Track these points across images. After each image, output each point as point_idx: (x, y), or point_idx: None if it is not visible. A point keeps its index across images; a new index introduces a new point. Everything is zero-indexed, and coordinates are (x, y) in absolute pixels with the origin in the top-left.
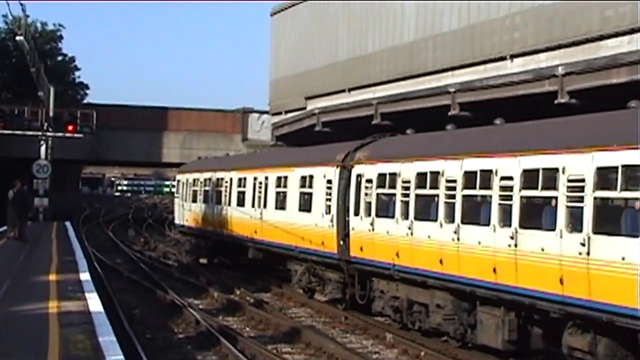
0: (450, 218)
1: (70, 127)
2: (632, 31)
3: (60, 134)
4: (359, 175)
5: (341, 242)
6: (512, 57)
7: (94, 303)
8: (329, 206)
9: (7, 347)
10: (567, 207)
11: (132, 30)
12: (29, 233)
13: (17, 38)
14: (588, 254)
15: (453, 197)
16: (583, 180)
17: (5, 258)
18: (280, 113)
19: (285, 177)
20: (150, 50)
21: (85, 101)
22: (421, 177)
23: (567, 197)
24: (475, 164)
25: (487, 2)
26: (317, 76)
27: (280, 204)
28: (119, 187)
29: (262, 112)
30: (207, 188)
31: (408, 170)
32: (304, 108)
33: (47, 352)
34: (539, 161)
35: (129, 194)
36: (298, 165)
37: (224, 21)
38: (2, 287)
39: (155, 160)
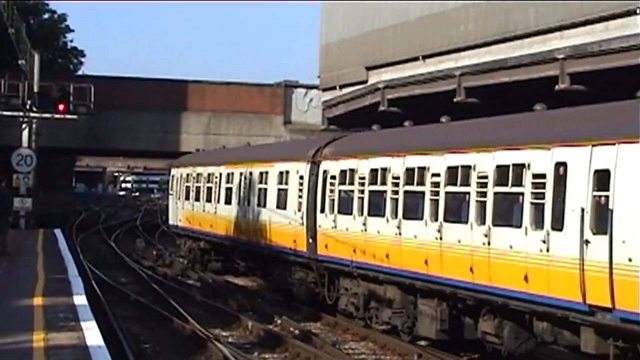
0: (394, 214)
1: (60, 106)
2: None
3: (47, 115)
4: (325, 172)
5: (310, 240)
6: None
7: (92, 335)
8: (300, 203)
9: None
10: (477, 201)
11: None
12: (8, 243)
13: None
14: (489, 243)
15: (397, 192)
16: (486, 177)
17: None
18: (333, 88)
19: (266, 173)
20: (164, 6)
21: (80, 72)
22: (374, 173)
23: (477, 192)
24: (415, 161)
25: None
26: (383, 39)
27: (262, 202)
28: (124, 185)
29: (309, 87)
30: (198, 184)
31: (364, 166)
32: (365, 82)
33: None
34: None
35: (136, 193)
36: (277, 160)
37: None
38: None
39: (172, 150)
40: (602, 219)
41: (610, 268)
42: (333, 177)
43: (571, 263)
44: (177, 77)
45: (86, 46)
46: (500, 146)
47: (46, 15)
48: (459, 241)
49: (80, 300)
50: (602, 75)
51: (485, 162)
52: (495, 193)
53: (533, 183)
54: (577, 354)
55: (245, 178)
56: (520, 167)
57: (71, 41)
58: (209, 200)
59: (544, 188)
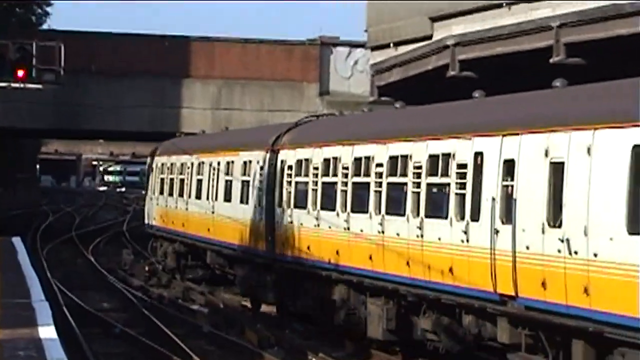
0: (344, 207)
1: (19, 72)
2: None
3: (1, 84)
4: (282, 162)
5: (269, 238)
6: None
7: None
8: (260, 196)
9: None
10: (413, 192)
11: None
12: None
13: None
14: (422, 236)
15: (346, 184)
16: (420, 168)
17: None
18: (386, 46)
19: (232, 163)
20: None
21: (45, 27)
22: (326, 164)
23: (413, 183)
24: (362, 150)
25: None
26: None
27: (228, 196)
28: (106, 177)
29: (353, 45)
30: (172, 176)
31: (318, 156)
32: (429, 37)
33: None
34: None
35: (122, 189)
36: (242, 149)
37: None
38: None
39: (169, 130)
40: (509, 208)
41: (514, 257)
42: (290, 168)
43: (485, 253)
44: (177, 33)
45: None
46: (432, 135)
47: None
48: (398, 234)
49: (47, 332)
50: None
51: (419, 152)
52: (428, 184)
53: (457, 173)
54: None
55: (213, 169)
56: (447, 157)
57: None
58: (181, 194)
59: (465, 178)
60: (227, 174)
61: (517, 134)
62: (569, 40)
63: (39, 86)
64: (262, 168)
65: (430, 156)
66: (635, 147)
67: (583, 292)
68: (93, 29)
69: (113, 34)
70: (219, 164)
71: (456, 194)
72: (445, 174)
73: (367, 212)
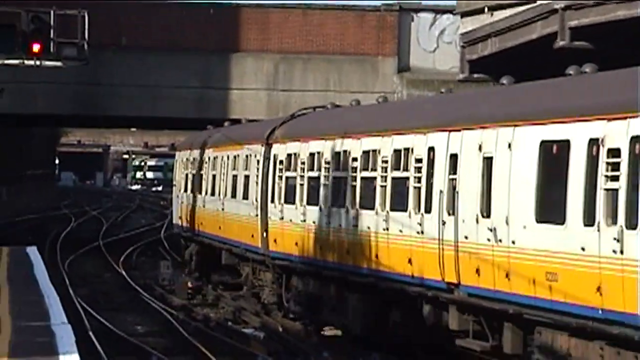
0: (325, 202)
1: (35, 46)
2: None
3: (13, 61)
4: (275, 156)
5: (264, 234)
6: None
7: None
8: (256, 191)
9: None
10: (381, 186)
11: None
12: None
13: None
14: (387, 229)
15: (327, 178)
16: (387, 162)
17: None
18: (479, 12)
19: (237, 157)
20: None
21: None
22: (311, 158)
23: (381, 177)
24: (341, 145)
25: None
26: None
27: (234, 191)
28: (139, 174)
29: (439, 11)
30: (193, 171)
31: (304, 150)
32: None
33: None
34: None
35: (159, 187)
36: (245, 142)
37: None
38: None
39: (215, 117)
40: (453, 200)
41: (456, 246)
42: (281, 162)
43: (435, 243)
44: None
45: None
46: (396, 131)
47: None
48: (369, 227)
49: None
50: None
51: (386, 147)
52: (393, 178)
53: (415, 167)
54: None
55: (224, 163)
56: (407, 152)
57: None
58: (200, 191)
59: (420, 172)
60: (233, 168)
61: (459, 130)
62: None
63: (58, 63)
64: (258, 162)
65: (395, 151)
66: (543, 142)
67: (505, 277)
68: None
69: (147, 0)
70: (227, 157)
71: (414, 187)
72: (406, 168)
73: (344, 206)
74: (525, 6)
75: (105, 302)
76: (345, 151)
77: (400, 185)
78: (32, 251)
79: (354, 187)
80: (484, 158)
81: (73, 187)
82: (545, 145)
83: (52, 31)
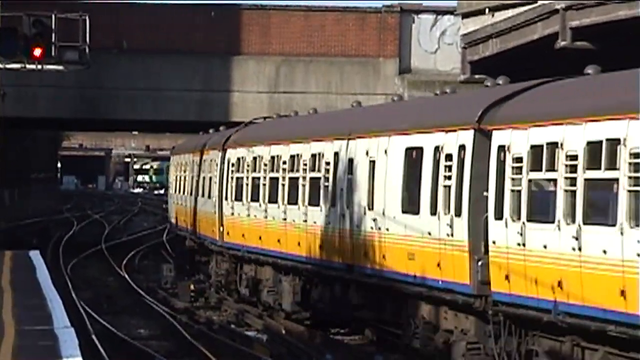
0: (264, 199)
1: (36, 51)
2: None
3: (15, 66)
4: (228, 160)
5: (220, 228)
6: None
7: None
8: (216, 190)
9: None
10: (302, 185)
11: None
12: None
13: None
14: (305, 221)
15: (265, 179)
16: (306, 164)
17: None
18: (480, 13)
19: (204, 161)
20: None
21: None
22: (254, 161)
23: (302, 177)
24: (275, 150)
25: None
26: None
27: (203, 191)
28: (141, 177)
29: (440, 12)
30: (176, 174)
31: (249, 155)
32: (534, 0)
33: None
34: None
35: (161, 190)
36: (210, 148)
37: None
38: None
39: (217, 119)
40: (349, 196)
41: (351, 234)
42: (232, 165)
43: (336, 232)
44: (226, 1)
45: None
46: (313, 138)
47: None
48: (294, 220)
49: None
50: None
51: (306, 152)
52: (310, 178)
53: (325, 169)
54: None
55: (197, 166)
56: (320, 156)
57: None
58: (182, 192)
59: (328, 173)
60: (203, 171)
61: (355, 139)
62: None
63: (60, 67)
64: (217, 165)
65: (312, 155)
66: (407, 149)
67: (382, 257)
68: None
69: (148, 3)
70: (200, 161)
71: (324, 185)
72: (319, 169)
73: (276, 202)
74: (526, 7)
75: (108, 306)
76: (278, 155)
77: (315, 184)
78: (35, 255)
79: (284, 186)
80: (370, 161)
81: (75, 190)
82: (408, 152)
83: (53, 35)
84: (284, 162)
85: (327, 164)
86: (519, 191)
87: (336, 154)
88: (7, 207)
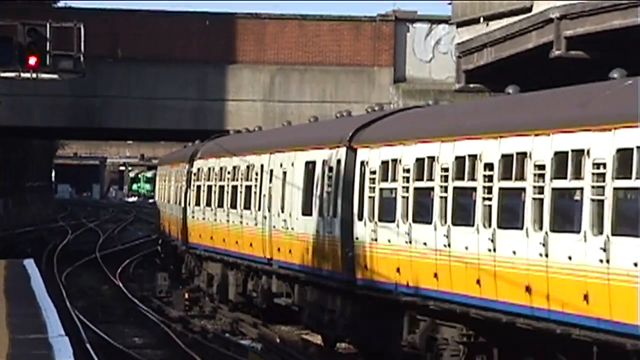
0: (231, 205)
1: (31, 60)
2: None
3: (9, 74)
4: (199, 169)
5: (184, 231)
6: None
7: None
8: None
9: None
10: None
11: None
12: None
13: None
14: (241, 223)
15: (224, 187)
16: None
17: None
18: (474, 22)
19: (178, 171)
20: None
21: (61, 4)
22: (220, 171)
23: (232, 185)
24: (241, 160)
25: None
26: None
27: (176, 198)
28: (136, 186)
29: (435, 21)
30: (160, 183)
31: (212, 165)
32: (529, 9)
33: None
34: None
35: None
36: (180, 161)
37: None
38: None
39: (212, 128)
40: (270, 200)
41: (270, 233)
42: (195, 175)
43: (260, 231)
44: (221, 9)
45: None
46: (249, 152)
47: None
48: (234, 222)
49: None
50: None
51: (244, 164)
52: (245, 186)
53: (255, 178)
54: None
55: (174, 176)
56: (252, 167)
57: None
58: (164, 199)
59: (257, 182)
60: (177, 181)
61: (274, 153)
62: None
63: (54, 76)
64: (183, 176)
65: (247, 166)
66: (307, 162)
67: (289, 252)
68: (119, 6)
69: (143, 11)
70: (176, 172)
71: (254, 192)
72: (251, 179)
73: (222, 206)
74: (520, 16)
75: (102, 315)
76: (224, 167)
77: (248, 191)
78: (30, 263)
79: (228, 193)
80: (283, 172)
81: (70, 199)
82: (307, 164)
83: (48, 44)
84: (229, 172)
85: (257, 174)
86: (373, 197)
87: (262, 166)
88: (2, 215)
